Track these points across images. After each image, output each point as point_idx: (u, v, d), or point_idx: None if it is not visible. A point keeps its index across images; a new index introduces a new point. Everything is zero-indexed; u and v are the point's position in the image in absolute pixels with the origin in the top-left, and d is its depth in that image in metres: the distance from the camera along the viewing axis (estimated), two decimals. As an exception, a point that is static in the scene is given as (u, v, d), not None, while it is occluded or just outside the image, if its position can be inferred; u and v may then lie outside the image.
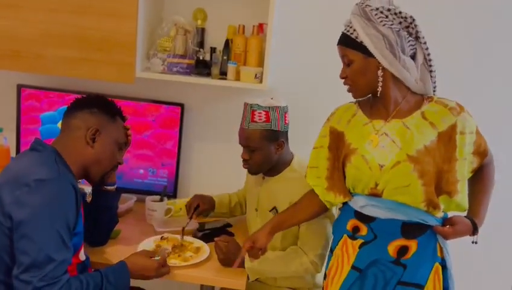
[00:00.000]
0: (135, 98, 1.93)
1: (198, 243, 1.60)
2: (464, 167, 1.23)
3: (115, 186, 1.53)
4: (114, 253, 1.51)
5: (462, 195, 1.23)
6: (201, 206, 1.72)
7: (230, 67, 1.77)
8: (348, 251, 1.31)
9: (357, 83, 1.28)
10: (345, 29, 1.26)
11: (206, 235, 1.69)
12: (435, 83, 1.28)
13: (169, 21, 1.80)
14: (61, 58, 1.69)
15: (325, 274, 1.40)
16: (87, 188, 1.74)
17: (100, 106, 1.36)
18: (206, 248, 1.56)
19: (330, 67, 1.94)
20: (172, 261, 1.46)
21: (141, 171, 1.97)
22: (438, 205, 1.22)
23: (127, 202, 1.86)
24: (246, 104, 1.57)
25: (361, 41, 1.21)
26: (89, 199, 1.54)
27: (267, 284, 1.64)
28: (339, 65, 1.92)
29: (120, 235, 1.63)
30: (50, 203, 1.15)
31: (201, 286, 1.64)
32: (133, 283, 1.72)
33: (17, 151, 1.97)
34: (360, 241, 1.29)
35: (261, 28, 1.83)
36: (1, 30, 1.69)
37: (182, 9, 1.87)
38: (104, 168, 1.37)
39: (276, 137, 1.56)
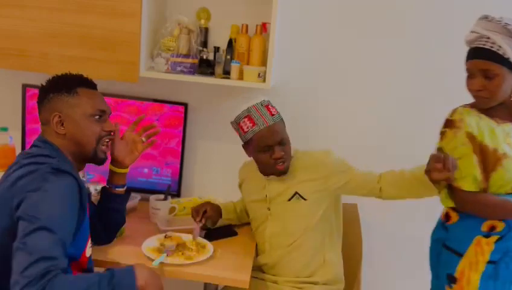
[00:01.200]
0: (139, 97, 1.94)
1: (202, 241, 1.60)
2: None
3: (125, 188, 1.51)
4: (118, 251, 1.51)
5: None
6: (208, 211, 1.68)
7: (234, 67, 1.78)
8: (483, 249, 1.39)
9: (495, 94, 1.35)
10: (487, 46, 1.32)
11: (210, 233, 1.69)
12: None
13: (172, 21, 1.81)
14: (65, 58, 1.71)
15: (454, 278, 1.42)
16: (95, 187, 1.76)
17: (55, 88, 1.31)
18: (209, 246, 1.56)
19: (333, 66, 1.96)
20: (175, 259, 1.46)
21: (145, 170, 1.98)
22: None
23: (131, 201, 1.86)
24: (253, 106, 1.55)
25: (509, 58, 1.30)
26: (93, 198, 1.54)
27: (269, 283, 1.65)
28: (343, 63, 1.95)
29: (124, 233, 1.64)
30: (57, 190, 1.15)
31: (205, 284, 1.65)
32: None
33: (23, 150, 1.98)
34: (495, 237, 1.39)
35: (264, 27, 1.83)
36: (6, 29, 1.70)
37: (186, 8, 1.88)
38: (88, 146, 1.31)
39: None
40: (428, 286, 1.59)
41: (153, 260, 1.43)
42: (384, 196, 1.54)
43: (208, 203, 1.73)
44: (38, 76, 1.97)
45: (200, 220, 1.65)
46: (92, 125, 1.31)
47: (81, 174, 1.74)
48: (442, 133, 1.42)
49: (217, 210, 1.72)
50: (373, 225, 2.02)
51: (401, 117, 1.97)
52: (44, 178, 1.16)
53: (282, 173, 1.58)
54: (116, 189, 1.49)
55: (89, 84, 1.35)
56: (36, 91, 1.91)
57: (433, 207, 1.55)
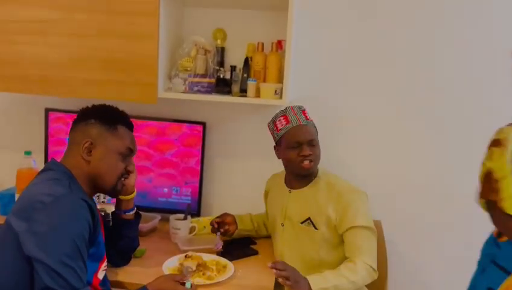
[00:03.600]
0: (158, 118, 1.97)
1: (223, 261, 1.58)
2: None
3: (134, 211, 1.51)
4: (138, 272, 1.51)
5: None
6: (227, 220, 1.75)
7: (250, 85, 1.78)
8: None
9: None
10: None
11: (230, 253, 1.67)
12: None
13: (189, 41, 1.84)
14: (86, 81, 1.74)
15: None
16: (107, 208, 1.77)
17: (98, 116, 1.33)
18: (230, 266, 1.55)
19: (349, 82, 1.95)
20: (196, 279, 1.45)
21: (165, 190, 1.99)
22: None
23: (151, 221, 1.87)
24: (290, 107, 1.62)
25: None
26: (106, 218, 1.54)
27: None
28: (359, 79, 1.94)
29: (145, 254, 1.64)
30: (63, 217, 1.15)
31: (226, 304, 1.63)
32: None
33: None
34: None
35: (280, 44, 1.84)
36: (30, 56, 1.76)
37: (202, 29, 1.91)
38: (109, 180, 1.33)
39: None
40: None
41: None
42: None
43: (226, 213, 1.79)
44: (61, 100, 2.04)
45: (219, 230, 1.71)
46: (118, 162, 1.34)
47: (99, 194, 1.77)
48: (490, 152, 1.37)
49: (232, 219, 1.79)
50: (396, 241, 1.97)
51: (421, 128, 1.93)
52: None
53: (307, 171, 1.58)
54: (125, 214, 1.49)
55: (129, 124, 1.40)
56: (59, 115, 1.99)
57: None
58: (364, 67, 1.93)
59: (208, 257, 1.59)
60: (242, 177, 2.06)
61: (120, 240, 1.48)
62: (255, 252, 1.72)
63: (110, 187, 1.34)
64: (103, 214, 1.71)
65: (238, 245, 1.77)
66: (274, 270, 1.35)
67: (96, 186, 1.34)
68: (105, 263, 1.33)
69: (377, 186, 1.94)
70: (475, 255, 1.97)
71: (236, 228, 1.78)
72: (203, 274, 1.48)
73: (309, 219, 1.59)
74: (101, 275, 1.31)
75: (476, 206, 1.93)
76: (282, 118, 1.61)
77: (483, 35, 1.85)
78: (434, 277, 2.00)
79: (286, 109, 1.63)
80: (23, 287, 1.14)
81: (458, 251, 1.97)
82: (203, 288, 1.42)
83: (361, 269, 1.46)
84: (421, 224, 1.98)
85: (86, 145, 1.30)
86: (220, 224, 1.75)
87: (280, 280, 1.34)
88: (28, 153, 1.89)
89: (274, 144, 1.68)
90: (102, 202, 1.79)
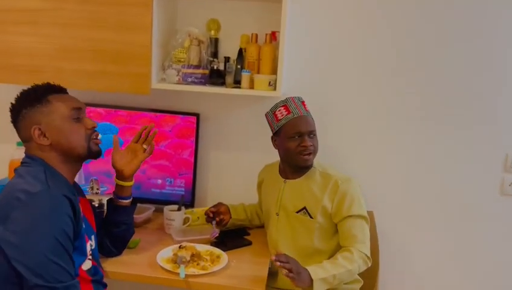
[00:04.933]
0: (152, 109, 1.96)
1: (217, 251, 1.60)
2: None
3: (131, 199, 1.52)
4: (133, 262, 1.52)
5: None
6: (221, 208, 1.77)
7: (244, 76, 1.78)
8: None
9: None
10: None
11: (224, 243, 1.68)
12: None
13: (183, 32, 1.83)
14: (78, 72, 1.73)
15: None
16: (104, 198, 1.77)
17: (24, 103, 1.29)
18: (224, 256, 1.56)
19: (343, 73, 1.96)
20: (191, 269, 1.46)
21: (159, 181, 1.99)
22: None
23: (145, 212, 1.87)
24: (291, 98, 1.63)
25: None
26: (100, 209, 1.54)
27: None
28: (352, 71, 1.94)
29: (139, 245, 1.65)
30: (41, 215, 1.14)
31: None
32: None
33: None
34: None
35: (273, 35, 1.84)
36: (21, 46, 1.74)
37: (196, 20, 1.90)
38: (77, 145, 1.30)
39: None
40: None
41: (168, 271, 1.45)
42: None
43: (220, 203, 1.81)
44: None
45: (214, 219, 1.73)
46: (74, 126, 1.30)
47: (93, 185, 1.77)
48: None
49: (226, 208, 1.80)
50: (388, 231, 1.99)
51: (414, 117, 1.95)
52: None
53: (306, 163, 1.61)
54: (121, 200, 1.50)
55: (58, 90, 1.34)
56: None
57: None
58: (358, 58, 1.94)
59: (202, 248, 1.60)
60: (236, 169, 2.06)
61: (116, 227, 1.48)
62: (249, 243, 1.73)
63: (84, 151, 1.31)
64: (97, 205, 1.71)
65: (231, 236, 1.77)
66: (278, 263, 1.36)
67: (72, 159, 1.31)
68: (89, 255, 1.32)
69: (368, 177, 1.96)
70: (466, 245, 2.02)
71: (230, 218, 1.80)
72: (197, 264, 1.49)
73: (305, 208, 1.61)
74: (85, 266, 1.29)
75: (469, 197, 1.97)
76: (282, 108, 1.61)
77: (487, 29, 1.86)
78: (425, 267, 2.03)
79: (286, 99, 1.63)
80: (13, 286, 1.13)
81: (449, 242, 2.01)
82: (197, 278, 1.43)
83: (358, 257, 1.50)
84: (413, 215, 2.01)
85: (37, 132, 1.27)
86: (215, 213, 1.76)
87: (284, 272, 1.35)
88: (19, 144, 1.87)
89: (271, 134, 1.69)
90: (96, 193, 1.78)
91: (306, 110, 1.64)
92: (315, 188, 1.61)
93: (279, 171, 1.73)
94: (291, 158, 1.62)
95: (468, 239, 1.99)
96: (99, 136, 1.38)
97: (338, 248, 1.60)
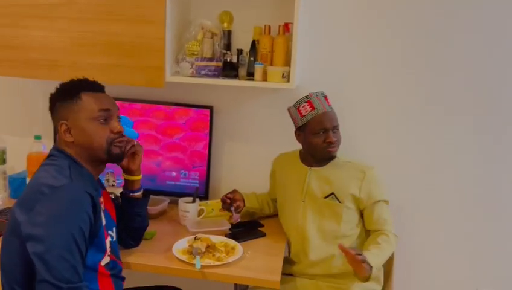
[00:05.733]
0: (166, 102, 1.97)
1: (232, 243, 1.61)
2: None
3: (141, 191, 1.53)
4: (149, 254, 1.53)
5: None
6: (236, 195, 1.79)
7: (257, 68, 1.78)
8: None
9: None
10: None
11: (238, 234, 1.70)
12: None
13: (196, 25, 1.83)
14: (94, 66, 1.74)
15: None
16: (116, 191, 1.79)
17: (58, 97, 1.31)
18: (239, 248, 1.57)
19: (357, 64, 1.94)
20: (206, 260, 1.48)
21: (173, 173, 2.00)
22: None
23: (160, 204, 1.89)
24: (314, 93, 1.66)
25: None
26: (117, 201, 1.56)
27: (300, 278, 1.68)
28: (367, 61, 1.93)
29: (155, 236, 1.67)
30: (62, 209, 1.15)
31: (235, 284, 1.66)
32: (168, 282, 1.76)
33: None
34: None
35: (287, 27, 1.83)
36: (37, 41, 1.76)
37: (209, 12, 1.90)
38: (99, 148, 1.30)
39: None
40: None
41: (184, 262, 1.46)
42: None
43: (235, 190, 1.83)
44: (69, 85, 2.04)
45: (232, 205, 1.75)
46: (98, 128, 1.29)
47: (108, 177, 1.79)
48: None
49: (242, 198, 1.82)
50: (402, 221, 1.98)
51: (427, 110, 1.93)
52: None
53: (331, 156, 1.66)
54: (132, 194, 1.51)
55: (93, 88, 1.33)
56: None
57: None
58: (373, 49, 1.92)
59: (217, 239, 1.61)
60: (249, 161, 2.07)
61: (130, 220, 1.50)
62: (263, 234, 1.74)
63: (105, 154, 1.31)
64: (113, 197, 1.74)
65: (245, 227, 1.79)
66: (359, 257, 1.42)
67: (94, 159, 1.32)
68: (108, 253, 1.33)
69: (383, 169, 1.95)
70: (482, 238, 1.99)
71: (244, 205, 1.81)
72: (213, 255, 1.51)
73: (333, 193, 1.65)
74: (104, 261, 1.30)
75: (484, 189, 1.94)
76: (306, 104, 1.64)
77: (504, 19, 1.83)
78: (436, 258, 2.03)
79: (309, 94, 1.66)
80: (31, 274, 1.15)
81: (465, 234, 1.99)
82: (213, 269, 1.45)
83: (393, 240, 1.61)
84: (425, 206, 1.99)
85: (63, 128, 1.29)
86: (232, 200, 1.78)
87: (359, 258, 1.41)
88: (37, 137, 1.91)
89: (292, 127, 1.72)
90: (112, 185, 1.81)
91: (329, 104, 1.67)
92: (341, 175, 1.66)
93: (301, 160, 1.75)
94: (317, 152, 1.66)
95: (481, 230, 1.98)
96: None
97: (361, 233, 1.68)
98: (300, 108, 1.65)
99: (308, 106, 1.64)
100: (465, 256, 2.01)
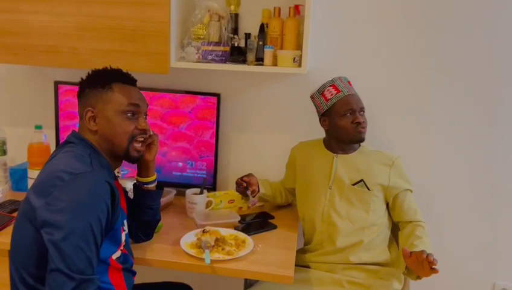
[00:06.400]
0: (171, 90, 1.89)
1: (242, 235, 1.54)
2: None
3: (155, 183, 1.47)
4: (157, 248, 1.47)
5: None
6: (252, 179, 1.71)
7: (267, 52, 1.69)
8: None
9: None
10: None
11: (248, 227, 1.63)
12: None
13: (202, 7, 1.74)
14: (95, 51, 1.67)
15: None
16: (128, 184, 1.73)
17: (90, 82, 1.28)
18: (250, 241, 1.50)
19: (370, 48, 1.85)
20: (216, 255, 1.41)
21: (180, 164, 1.93)
22: None
23: (166, 196, 1.83)
24: (337, 78, 1.64)
25: None
26: (129, 194, 1.51)
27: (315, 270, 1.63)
28: (379, 46, 1.84)
29: (162, 229, 1.60)
30: (82, 196, 1.11)
31: (245, 279, 1.59)
32: (177, 278, 1.71)
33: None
34: None
35: (297, 9, 1.74)
36: (37, 26, 1.69)
37: (215, -6, 1.81)
38: (120, 143, 1.26)
39: None
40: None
41: (193, 256, 1.40)
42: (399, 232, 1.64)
43: (251, 174, 1.74)
44: (70, 72, 1.97)
45: (247, 189, 1.67)
46: (124, 122, 1.26)
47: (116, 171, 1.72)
48: None
49: (257, 182, 1.73)
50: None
51: (439, 99, 1.84)
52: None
53: (361, 137, 1.62)
54: (146, 186, 1.45)
55: (126, 80, 1.30)
56: (69, 88, 1.93)
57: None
58: (387, 32, 1.83)
59: (226, 232, 1.55)
60: (259, 150, 1.99)
61: (142, 213, 1.44)
62: (274, 227, 1.68)
63: (123, 150, 1.27)
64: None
65: (255, 220, 1.72)
66: (431, 257, 1.34)
67: (113, 154, 1.29)
68: (122, 247, 1.28)
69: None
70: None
71: (259, 191, 1.74)
72: (222, 249, 1.44)
73: (362, 180, 1.61)
74: (115, 255, 1.25)
75: (495, 181, 1.86)
76: (331, 87, 1.61)
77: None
78: (453, 250, 1.96)
79: (333, 79, 1.63)
80: (42, 263, 1.10)
81: (489, 228, 1.92)
82: (223, 263, 1.38)
83: (426, 229, 1.58)
84: (440, 198, 1.92)
85: (88, 114, 1.26)
86: (248, 183, 1.70)
87: (434, 263, 1.34)
88: (38, 127, 1.84)
89: (318, 116, 1.68)
90: (117, 176, 1.74)
91: (352, 87, 1.64)
92: (369, 162, 1.63)
93: (326, 147, 1.70)
94: (347, 134, 1.61)
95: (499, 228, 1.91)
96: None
97: (388, 222, 1.65)
98: (325, 92, 1.62)
99: (333, 89, 1.61)
100: (483, 248, 1.94)
